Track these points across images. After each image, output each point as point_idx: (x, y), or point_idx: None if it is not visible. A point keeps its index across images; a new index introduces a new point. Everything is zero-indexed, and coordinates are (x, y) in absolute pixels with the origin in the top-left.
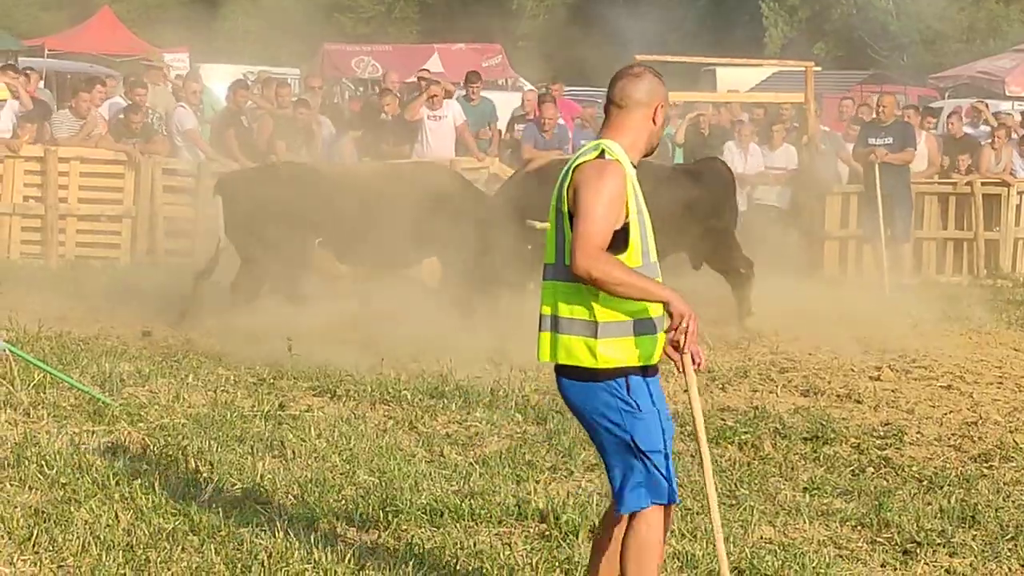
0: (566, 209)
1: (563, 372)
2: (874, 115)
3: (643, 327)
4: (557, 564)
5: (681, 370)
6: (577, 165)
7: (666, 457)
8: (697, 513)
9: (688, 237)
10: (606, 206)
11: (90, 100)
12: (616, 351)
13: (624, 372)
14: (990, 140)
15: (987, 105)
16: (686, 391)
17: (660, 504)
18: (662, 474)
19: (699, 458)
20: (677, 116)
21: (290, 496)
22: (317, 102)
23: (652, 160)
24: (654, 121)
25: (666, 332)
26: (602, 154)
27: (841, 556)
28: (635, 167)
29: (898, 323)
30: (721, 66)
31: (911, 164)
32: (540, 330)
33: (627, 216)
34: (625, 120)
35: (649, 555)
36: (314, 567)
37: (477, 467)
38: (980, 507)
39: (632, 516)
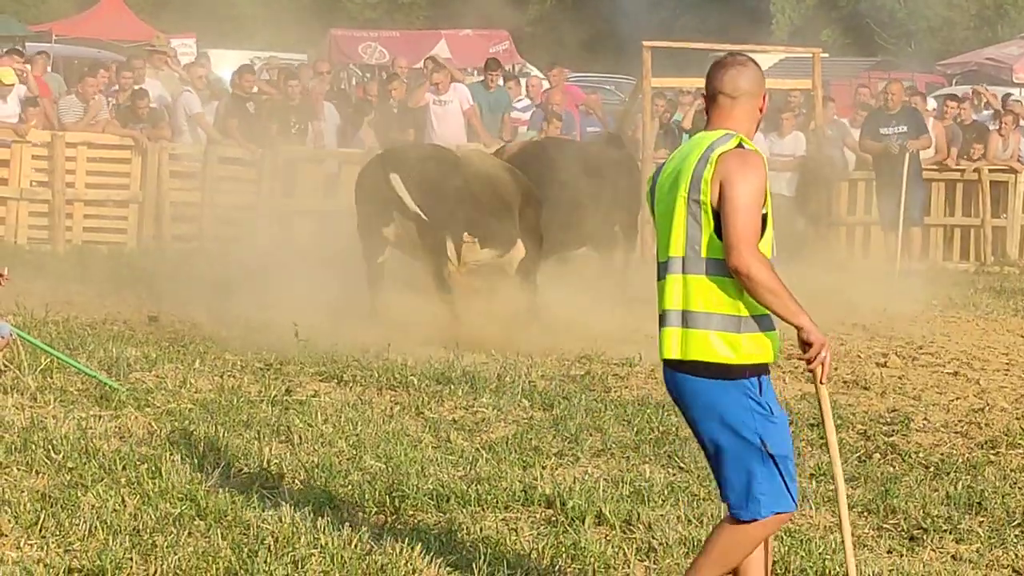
0: (705, 200)
1: (686, 368)
2: (880, 103)
3: (770, 323)
4: (564, 549)
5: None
6: (720, 155)
7: (792, 462)
8: (703, 499)
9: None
10: (755, 198)
11: (95, 85)
12: (755, 346)
13: (758, 370)
14: (997, 127)
15: (987, 89)
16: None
17: (784, 513)
18: (786, 481)
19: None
20: (685, 102)
21: (297, 481)
22: (324, 88)
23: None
24: (760, 110)
25: (800, 359)
26: (740, 144)
27: None
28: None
29: (905, 310)
30: (728, 52)
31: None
32: (664, 326)
33: (764, 207)
34: (737, 111)
35: (734, 557)
36: (321, 552)
37: (484, 453)
38: (987, 494)
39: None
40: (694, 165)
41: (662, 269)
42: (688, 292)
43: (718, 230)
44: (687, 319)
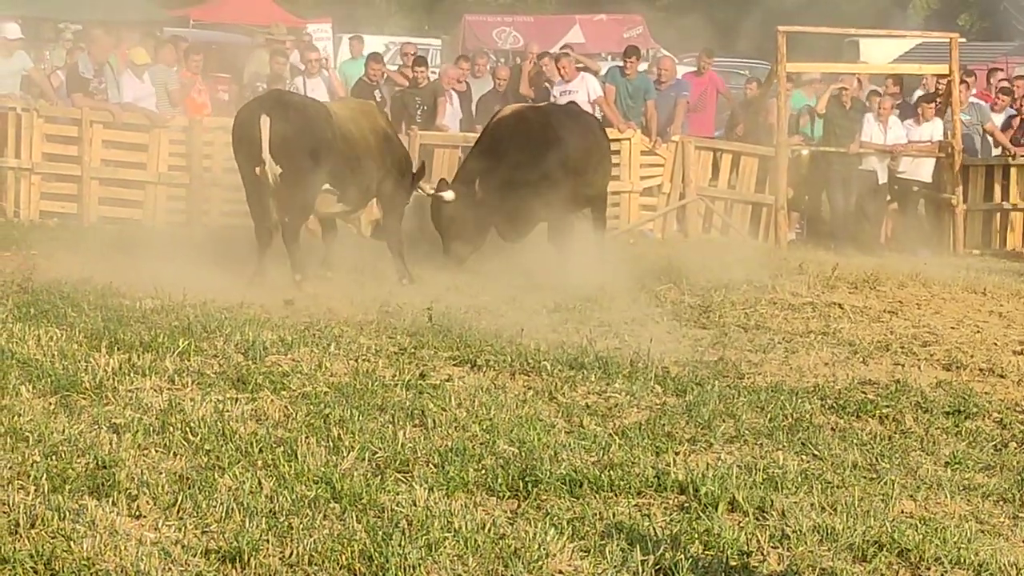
0: None
1: None
2: None
3: None
4: (697, 536)
5: None
6: None
7: None
8: (837, 487)
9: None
10: None
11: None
12: None
13: None
14: None
15: None
16: (826, 364)
17: None
18: None
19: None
20: (821, 87)
21: (430, 465)
22: (458, 73)
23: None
24: None
25: None
26: None
27: (983, 531)
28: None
29: None
30: (864, 37)
31: None
32: None
33: None
34: None
35: None
36: (454, 536)
37: (616, 438)
38: None
39: None
40: None
41: None
42: None
43: None
44: None
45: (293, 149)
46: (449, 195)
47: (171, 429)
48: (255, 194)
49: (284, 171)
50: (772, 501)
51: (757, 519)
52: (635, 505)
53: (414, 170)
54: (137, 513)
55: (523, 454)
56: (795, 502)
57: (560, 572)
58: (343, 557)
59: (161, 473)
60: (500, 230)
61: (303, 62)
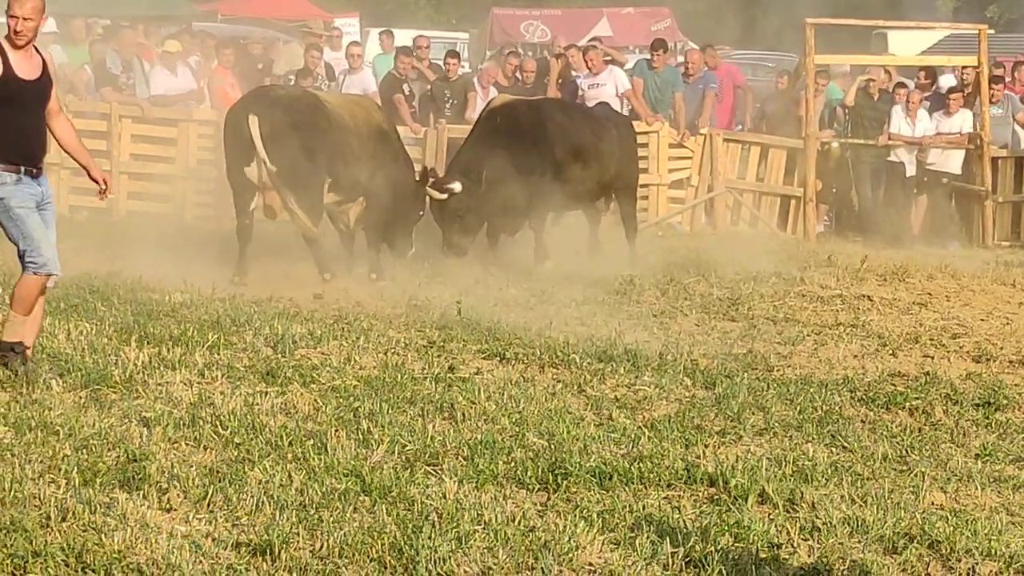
0: None
1: None
2: None
3: None
4: (727, 528)
5: None
6: None
7: None
8: (867, 479)
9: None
10: None
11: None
12: None
13: None
14: None
15: None
16: (855, 356)
17: None
18: None
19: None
20: (849, 79)
21: (460, 458)
22: (496, 70)
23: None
24: None
25: None
26: None
27: (1013, 523)
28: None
29: None
30: (892, 29)
31: None
32: None
33: None
34: None
35: None
36: (484, 528)
37: (646, 431)
38: None
39: None
40: None
41: None
42: None
43: None
44: None
45: (287, 146)
46: (456, 186)
47: (201, 422)
48: (242, 191)
49: (279, 169)
50: (802, 493)
51: (787, 511)
52: (665, 497)
53: (416, 173)
54: (168, 506)
55: (552, 447)
56: (825, 494)
57: (590, 564)
58: (373, 550)
59: (191, 466)
60: (500, 223)
61: (347, 57)
